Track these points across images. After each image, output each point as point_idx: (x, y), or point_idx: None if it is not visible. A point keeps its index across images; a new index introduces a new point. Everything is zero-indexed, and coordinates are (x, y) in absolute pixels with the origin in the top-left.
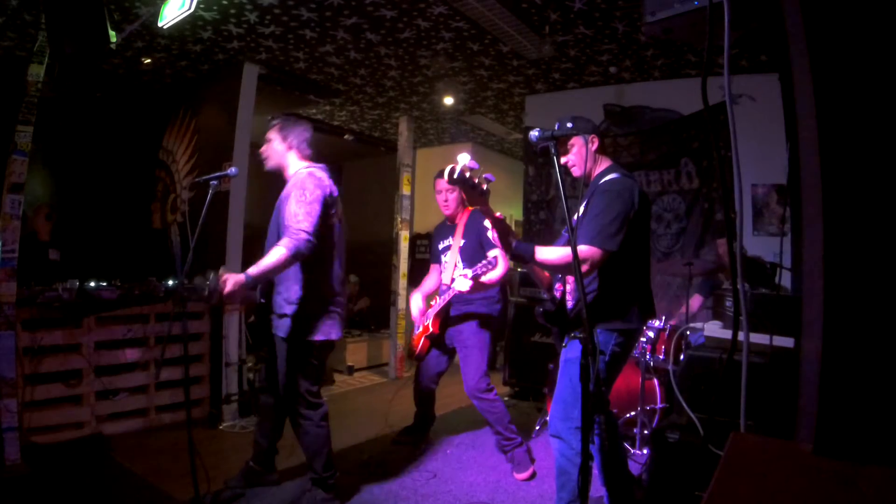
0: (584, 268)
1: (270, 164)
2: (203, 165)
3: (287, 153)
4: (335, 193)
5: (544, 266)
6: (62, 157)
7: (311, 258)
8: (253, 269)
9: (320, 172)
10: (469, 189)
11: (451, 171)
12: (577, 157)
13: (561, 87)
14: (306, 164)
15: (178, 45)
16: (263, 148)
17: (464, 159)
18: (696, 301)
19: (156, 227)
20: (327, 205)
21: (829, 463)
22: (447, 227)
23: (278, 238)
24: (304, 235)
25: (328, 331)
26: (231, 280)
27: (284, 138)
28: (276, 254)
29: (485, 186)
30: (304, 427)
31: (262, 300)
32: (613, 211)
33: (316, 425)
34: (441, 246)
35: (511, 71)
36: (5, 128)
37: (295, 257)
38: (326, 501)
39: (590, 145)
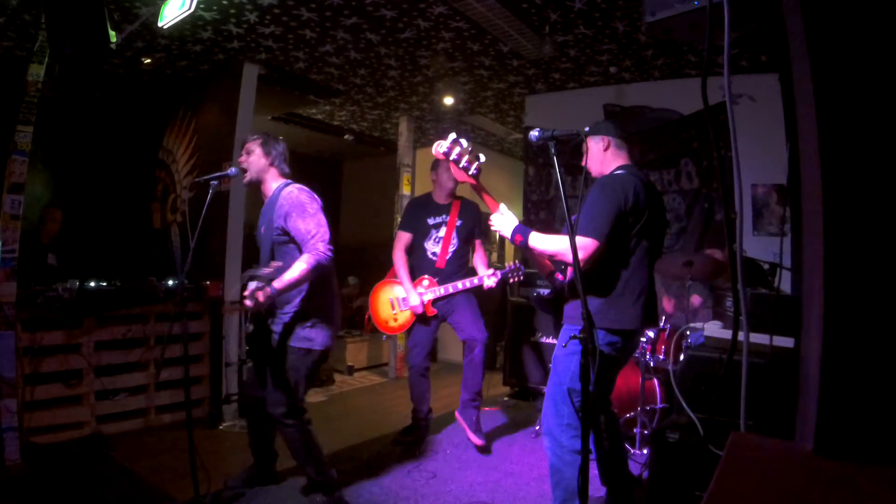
0: (581, 256)
1: (250, 175)
2: (203, 165)
3: (268, 168)
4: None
5: (535, 253)
6: (62, 157)
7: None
8: (277, 283)
9: (304, 187)
10: (455, 164)
11: (438, 146)
12: (590, 159)
13: (561, 87)
14: (284, 181)
15: (178, 45)
16: (243, 158)
17: (452, 136)
18: (695, 299)
19: (156, 227)
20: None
21: (829, 463)
22: (438, 205)
23: (270, 245)
24: (322, 247)
25: (326, 340)
26: (263, 294)
27: (267, 153)
28: (297, 268)
29: (473, 164)
30: (289, 433)
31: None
32: (602, 203)
33: (302, 430)
34: (432, 221)
35: (511, 71)
36: (5, 128)
37: (317, 269)
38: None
39: (600, 144)
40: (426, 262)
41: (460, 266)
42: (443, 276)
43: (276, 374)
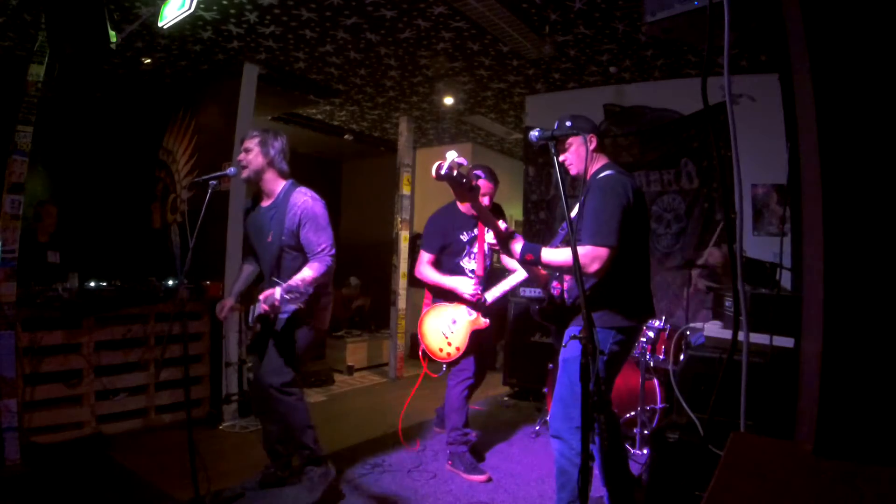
0: (595, 267)
1: (248, 174)
2: (203, 165)
3: (266, 167)
4: None
5: (550, 267)
6: (62, 157)
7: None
8: (284, 288)
9: (311, 192)
10: (457, 185)
11: (438, 168)
12: (574, 156)
13: (561, 87)
14: (286, 182)
15: (178, 45)
16: (242, 157)
17: (451, 156)
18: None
19: (156, 227)
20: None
21: (829, 463)
22: (465, 217)
23: (279, 251)
24: (329, 260)
25: (324, 320)
26: (274, 295)
27: (265, 153)
28: (310, 276)
29: (474, 182)
30: (290, 402)
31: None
32: (609, 207)
33: (299, 399)
34: (466, 237)
35: (511, 71)
36: (5, 128)
37: (326, 276)
38: (325, 475)
39: (588, 145)
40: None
41: (491, 277)
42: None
43: (281, 348)
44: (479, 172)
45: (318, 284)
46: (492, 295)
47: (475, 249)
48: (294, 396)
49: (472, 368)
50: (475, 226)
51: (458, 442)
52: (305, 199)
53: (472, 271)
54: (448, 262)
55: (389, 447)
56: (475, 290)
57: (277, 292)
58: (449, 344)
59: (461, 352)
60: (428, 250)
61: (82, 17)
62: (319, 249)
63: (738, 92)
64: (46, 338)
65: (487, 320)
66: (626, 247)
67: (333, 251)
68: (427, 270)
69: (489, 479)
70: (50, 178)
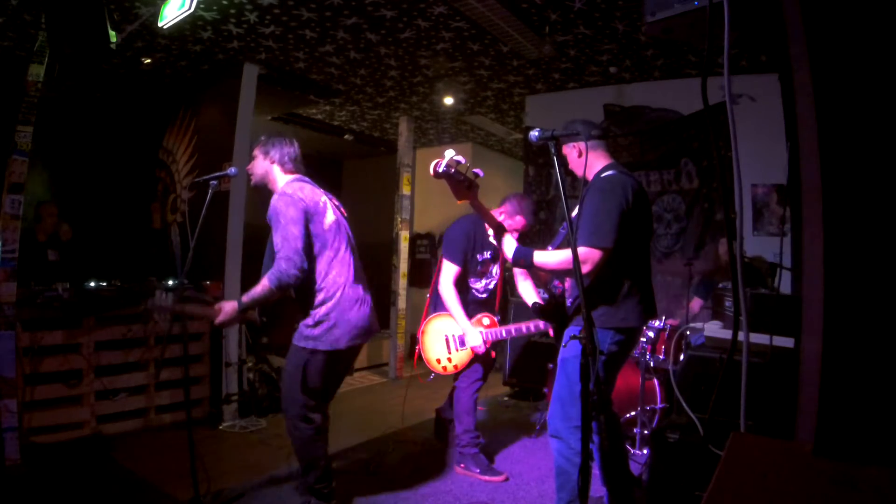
0: (587, 268)
1: (255, 180)
2: (203, 165)
3: (271, 169)
4: (317, 201)
5: (544, 270)
6: (62, 157)
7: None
8: (245, 297)
9: (293, 186)
10: (455, 183)
11: (436, 165)
12: (572, 161)
13: (561, 87)
14: (289, 179)
15: (178, 45)
16: (249, 165)
17: (450, 154)
18: (695, 304)
19: (156, 227)
20: (308, 216)
21: (829, 463)
22: (489, 238)
23: (272, 260)
24: (283, 265)
25: (330, 340)
26: (224, 311)
27: (266, 154)
28: (261, 285)
29: (473, 179)
30: (298, 437)
31: (264, 318)
32: (606, 208)
33: (309, 438)
34: (482, 257)
35: (511, 71)
36: (5, 128)
37: (279, 287)
38: None
39: (573, 152)
40: (470, 298)
41: (495, 296)
42: (492, 313)
43: (288, 376)
44: (477, 171)
45: (315, 298)
46: (494, 335)
47: (492, 271)
48: (302, 433)
49: (482, 371)
50: (496, 249)
51: (471, 444)
52: (275, 197)
53: (478, 290)
54: (461, 277)
55: (389, 447)
56: (482, 347)
57: (226, 307)
58: (450, 360)
59: (458, 370)
60: (454, 261)
61: (82, 17)
62: (277, 252)
63: (738, 92)
64: (46, 338)
65: (493, 352)
66: (625, 247)
67: (292, 255)
68: (450, 293)
69: (507, 479)
70: (50, 178)
